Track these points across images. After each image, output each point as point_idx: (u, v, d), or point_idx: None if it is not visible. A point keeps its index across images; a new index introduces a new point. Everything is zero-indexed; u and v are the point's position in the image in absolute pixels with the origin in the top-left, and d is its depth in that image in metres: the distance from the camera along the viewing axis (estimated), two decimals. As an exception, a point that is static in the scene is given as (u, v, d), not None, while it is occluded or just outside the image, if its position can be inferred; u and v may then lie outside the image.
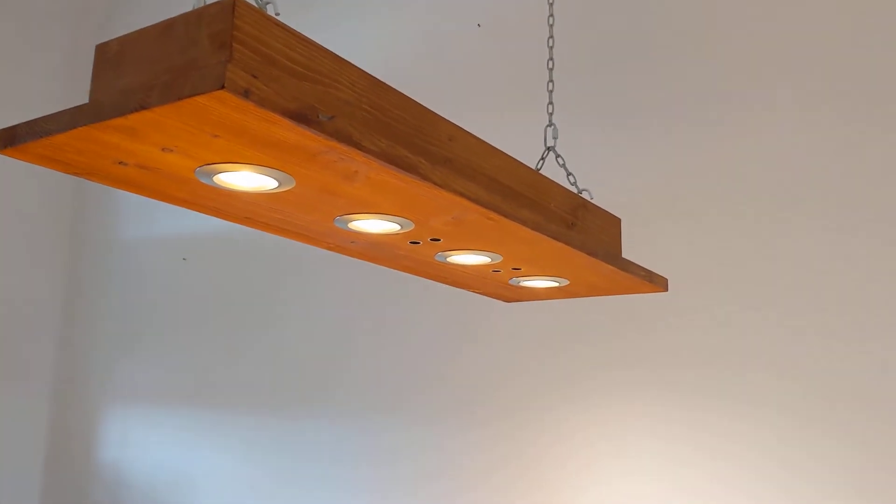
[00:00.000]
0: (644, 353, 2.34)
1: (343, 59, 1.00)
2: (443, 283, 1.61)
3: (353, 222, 1.18)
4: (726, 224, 2.30)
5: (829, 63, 2.22)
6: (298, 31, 0.94)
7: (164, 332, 3.34)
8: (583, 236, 1.45)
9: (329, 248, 1.38)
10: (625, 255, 2.12)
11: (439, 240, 1.30)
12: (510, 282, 1.61)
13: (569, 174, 1.70)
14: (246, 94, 0.76)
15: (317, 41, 0.97)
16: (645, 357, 2.34)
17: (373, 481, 2.73)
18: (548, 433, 2.44)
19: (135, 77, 0.88)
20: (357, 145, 0.90)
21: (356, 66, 1.02)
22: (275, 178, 0.99)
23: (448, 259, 1.41)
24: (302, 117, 0.83)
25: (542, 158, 1.71)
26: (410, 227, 1.22)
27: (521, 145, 1.89)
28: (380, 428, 2.76)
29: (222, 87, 0.74)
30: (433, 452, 2.63)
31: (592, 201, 1.61)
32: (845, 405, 2.04)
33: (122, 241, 3.59)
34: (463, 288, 1.68)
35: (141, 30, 0.92)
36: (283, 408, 2.98)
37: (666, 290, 1.68)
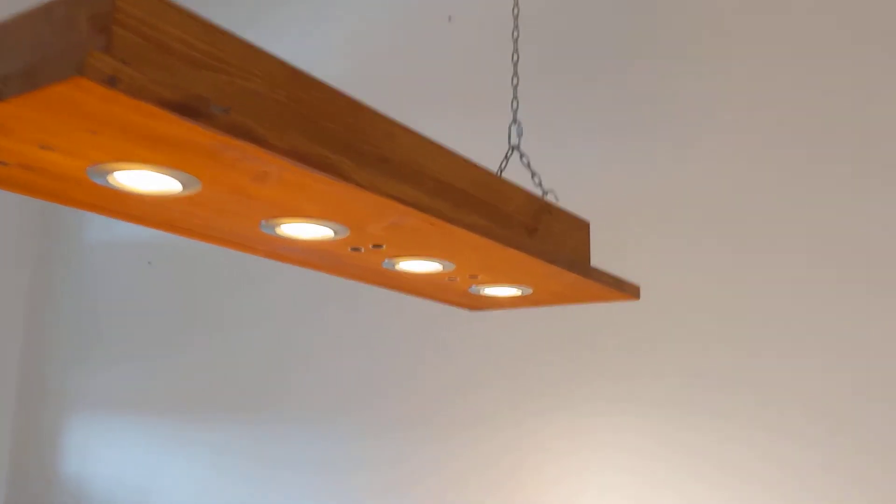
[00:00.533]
0: (616, 364, 2.23)
1: (259, 49, 0.89)
2: (398, 291, 1.50)
3: (280, 227, 1.07)
4: (706, 230, 2.20)
5: (814, 63, 2.12)
6: (217, 23, 0.83)
7: (128, 338, 3.23)
8: (543, 243, 1.34)
9: (266, 256, 1.27)
10: (596, 261, 2.01)
11: (382, 246, 1.19)
12: (469, 290, 1.50)
13: (534, 174, 1.59)
14: (111, 81, 0.65)
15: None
16: (617, 368, 2.23)
17: (345, 490, 2.62)
18: (515, 446, 2.33)
19: (2, 65, 0.77)
20: (260, 142, 0.79)
21: (275, 56, 0.91)
22: (177, 179, 0.88)
23: (397, 267, 1.30)
24: (187, 109, 0.72)
25: (506, 158, 1.60)
26: (346, 232, 1.11)
27: (493, 145, 1.79)
28: (352, 435, 2.65)
29: (81, 74, 0.64)
30: (404, 461, 2.52)
31: (558, 204, 1.50)
32: (825, 421, 1.94)
33: (87, 244, 3.47)
34: (421, 297, 1.57)
35: (21, 14, 0.81)
36: (251, 414, 2.87)
37: (638, 297, 1.57)
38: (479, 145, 1.66)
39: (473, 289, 1.48)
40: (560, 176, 1.74)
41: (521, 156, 1.59)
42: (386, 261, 1.28)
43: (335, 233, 1.10)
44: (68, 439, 3.27)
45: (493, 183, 1.31)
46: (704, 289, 2.17)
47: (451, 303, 1.64)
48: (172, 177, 0.88)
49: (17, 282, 3.53)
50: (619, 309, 2.18)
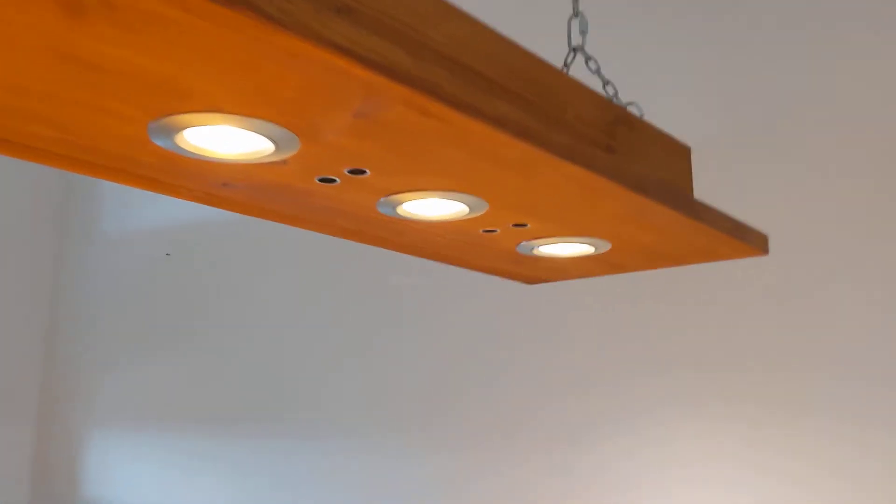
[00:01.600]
0: (733, 351, 1.73)
1: None
2: (411, 253, 1.05)
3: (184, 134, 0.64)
4: (850, 165, 1.68)
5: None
6: None
7: (148, 342, 2.87)
8: (625, 162, 0.86)
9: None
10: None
11: (364, 172, 0.74)
12: (518, 249, 1.03)
13: (606, 83, 1.12)
14: None
15: None
16: (731, 357, 1.73)
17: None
18: (588, 455, 1.86)
19: None
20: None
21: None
22: None
23: (399, 209, 0.85)
24: None
25: (566, 65, 1.13)
26: (294, 145, 0.66)
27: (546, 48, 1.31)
28: (398, 454, 2.21)
29: None
30: (456, 479, 2.07)
31: (644, 118, 1.03)
32: None
33: (104, 238, 3.12)
34: (448, 262, 1.11)
35: None
36: (280, 427, 2.46)
37: (765, 252, 1.08)
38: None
39: (523, 246, 1.02)
40: (640, 92, 1.26)
41: (587, 59, 1.12)
42: (381, 201, 0.83)
43: (275, 147, 0.66)
44: (89, 457, 2.94)
45: (545, 76, 0.84)
46: (847, 242, 1.65)
47: (495, 271, 1.18)
48: None
49: (38, 285, 3.21)
50: (732, 269, 1.67)
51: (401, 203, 0.83)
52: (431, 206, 0.85)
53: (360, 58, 0.53)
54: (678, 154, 1.06)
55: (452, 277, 2.07)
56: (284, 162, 0.71)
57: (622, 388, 1.86)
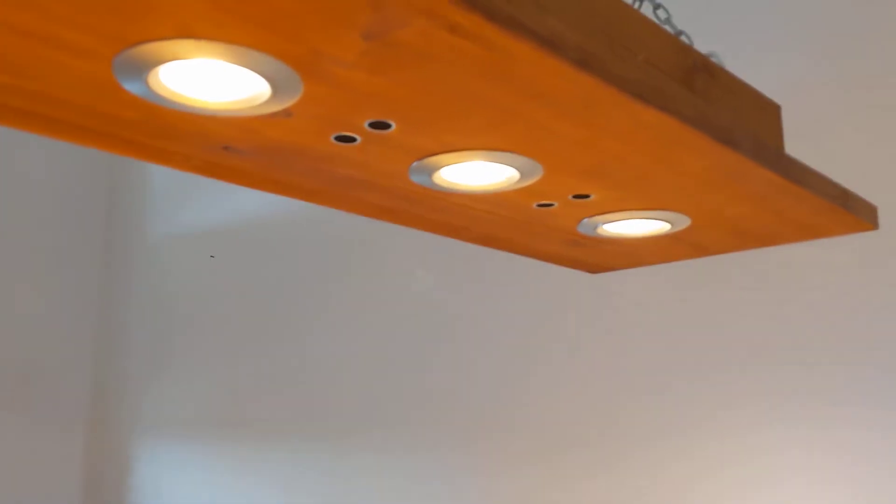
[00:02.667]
0: (836, 344, 1.54)
1: None
2: (453, 236, 0.91)
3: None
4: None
5: None
6: None
7: (197, 348, 2.79)
8: (710, 111, 0.71)
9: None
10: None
11: (388, 125, 0.61)
12: (579, 228, 0.88)
13: (679, 34, 0.96)
14: None
15: None
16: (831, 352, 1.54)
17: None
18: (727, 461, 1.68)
19: None
20: None
21: None
22: None
23: (435, 177, 0.71)
24: None
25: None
26: (295, 87, 0.53)
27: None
28: (466, 466, 2.06)
29: None
30: (528, 496, 1.91)
31: (727, 69, 0.88)
32: None
33: (152, 239, 3.07)
34: (498, 247, 0.97)
35: None
36: (333, 440, 2.34)
37: (875, 226, 0.91)
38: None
39: (585, 224, 0.87)
40: (717, 44, 1.10)
41: (656, 6, 0.97)
42: (413, 166, 0.69)
43: (273, 93, 0.53)
44: (139, 466, 2.88)
45: (609, 7, 0.69)
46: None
47: (553, 257, 1.03)
48: None
49: (85, 291, 3.17)
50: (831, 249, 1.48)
51: (437, 169, 0.70)
52: (475, 173, 0.71)
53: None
54: (767, 111, 0.90)
55: (506, 266, 1.92)
56: (288, 113, 0.58)
57: (710, 385, 1.68)
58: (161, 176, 3.09)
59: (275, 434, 2.50)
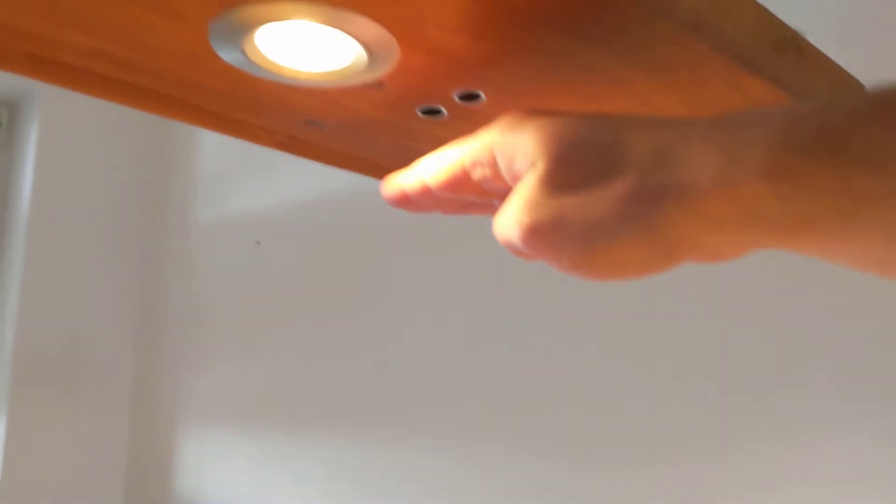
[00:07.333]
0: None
1: None
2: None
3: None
4: None
5: None
6: None
7: (241, 335, 2.81)
8: (800, 81, 0.68)
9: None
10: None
11: (478, 96, 0.59)
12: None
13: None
14: None
15: None
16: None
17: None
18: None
19: None
20: None
21: None
22: None
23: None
24: None
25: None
26: (392, 55, 0.51)
27: None
28: (522, 461, 2.04)
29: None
30: (597, 497, 1.89)
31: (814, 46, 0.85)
32: None
33: (196, 224, 3.09)
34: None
35: None
36: (378, 430, 2.34)
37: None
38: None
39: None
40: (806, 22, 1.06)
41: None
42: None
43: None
44: (183, 454, 2.90)
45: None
46: None
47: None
48: None
49: (130, 277, 3.21)
50: None
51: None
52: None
53: None
54: (851, 90, 0.86)
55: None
56: (380, 84, 0.56)
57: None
58: (208, 162, 3.11)
59: (318, 424, 2.50)
